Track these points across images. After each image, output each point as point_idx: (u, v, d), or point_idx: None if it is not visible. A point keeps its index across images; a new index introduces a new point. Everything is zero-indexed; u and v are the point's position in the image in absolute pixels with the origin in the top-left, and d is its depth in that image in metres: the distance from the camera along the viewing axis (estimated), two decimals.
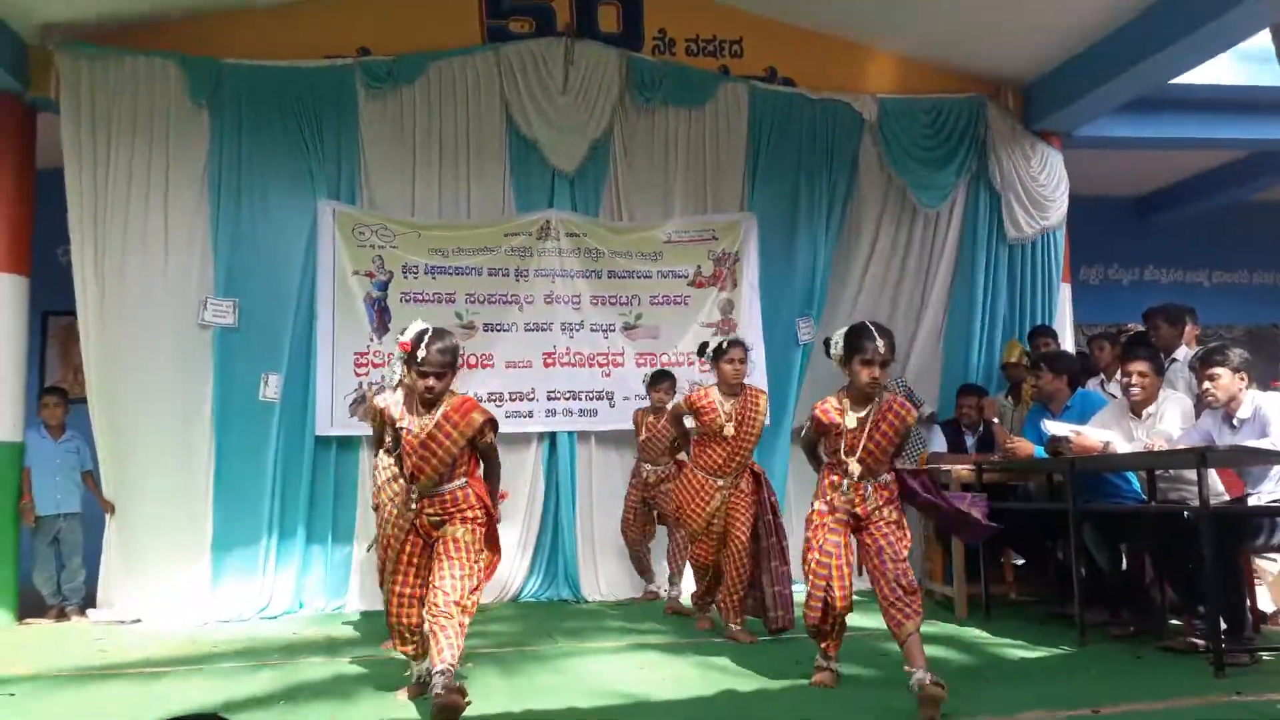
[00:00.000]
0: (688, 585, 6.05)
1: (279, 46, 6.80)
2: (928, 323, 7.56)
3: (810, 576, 3.87)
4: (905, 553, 3.78)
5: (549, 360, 6.82)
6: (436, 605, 3.53)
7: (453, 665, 3.44)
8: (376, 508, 5.09)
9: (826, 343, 3.95)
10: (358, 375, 6.57)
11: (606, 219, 7.12)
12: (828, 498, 3.91)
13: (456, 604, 3.53)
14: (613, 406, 6.87)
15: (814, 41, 7.66)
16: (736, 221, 7.26)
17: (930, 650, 3.79)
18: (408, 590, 3.74)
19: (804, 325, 7.29)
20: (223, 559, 6.26)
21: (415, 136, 6.89)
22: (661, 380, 6.38)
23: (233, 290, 6.47)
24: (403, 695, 3.86)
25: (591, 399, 6.91)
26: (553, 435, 6.87)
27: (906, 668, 3.58)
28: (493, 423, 3.78)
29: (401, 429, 3.74)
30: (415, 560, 3.73)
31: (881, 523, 3.82)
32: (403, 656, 3.96)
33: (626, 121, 7.17)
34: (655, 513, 6.39)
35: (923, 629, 3.67)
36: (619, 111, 7.13)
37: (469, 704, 3.40)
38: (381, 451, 4.84)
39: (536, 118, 6.96)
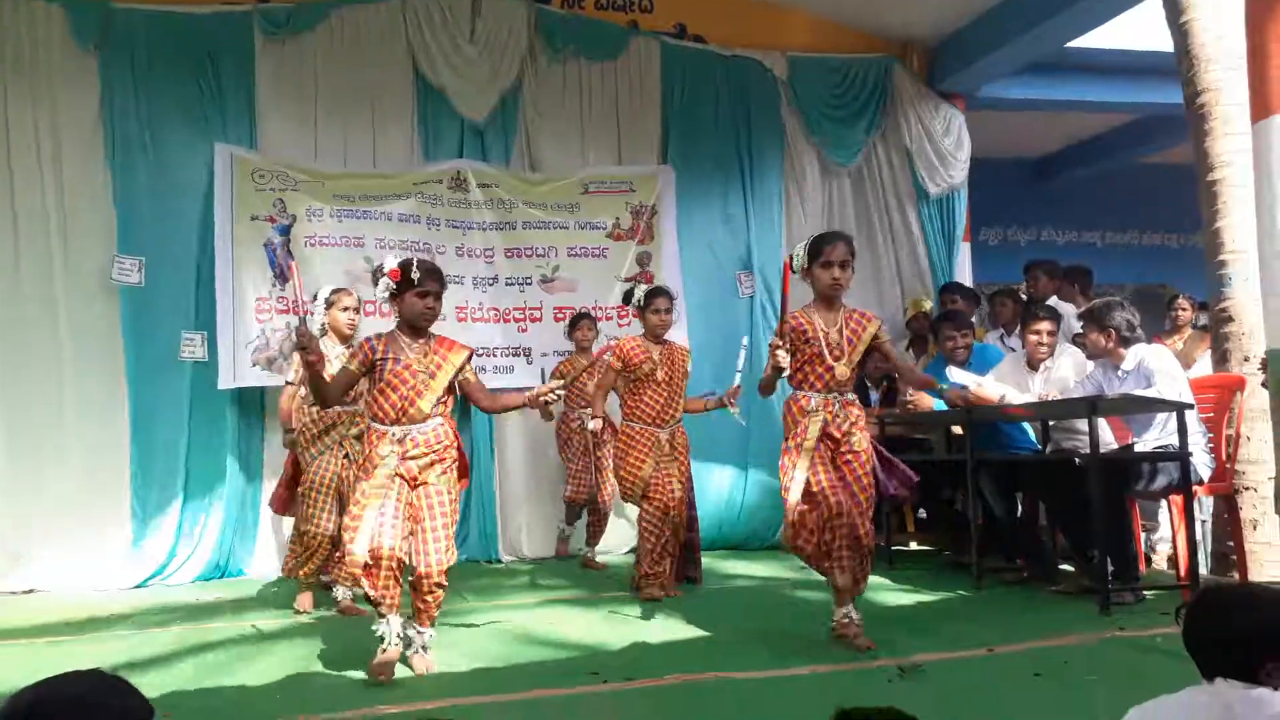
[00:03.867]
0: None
1: None
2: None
3: (790, 513, 3.77)
4: (871, 491, 3.80)
5: (461, 315, 6.66)
6: (430, 576, 3.55)
7: (432, 629, 3.67)
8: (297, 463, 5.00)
9: (790, 259, 3.92)
10: (259, 322, 6.33)
11: (520, 170, 7.01)
12: (798, 424, 3.81)
13: (442, 581, 3.59)
14: (530, 363, 6.75)
15: None
16: (653, 174, 7.22)
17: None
18: (396, 553, 3.51)
19: (745, 279, 7.31)
20: (137, 525, 6.07)
21: (317, 84, 6.68)
22: (581, 320, 6.35)
23: (136, 245, 6.19)
24: (385, 667, 3.53)
25: (509, 355, 6.81)
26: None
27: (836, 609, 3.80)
28: (471, 355, 3.79)
29: (385, 361, 3.60)
30: (401, 516, 3.53)
31: (849, 454, 3.81)
32: (308, 617, 3.91)
33: (537, 73, 7.07)
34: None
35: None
36: (528, 63, 7.03)
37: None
38: (314, 407, 4.78)
39: (444, 67, 6.82)
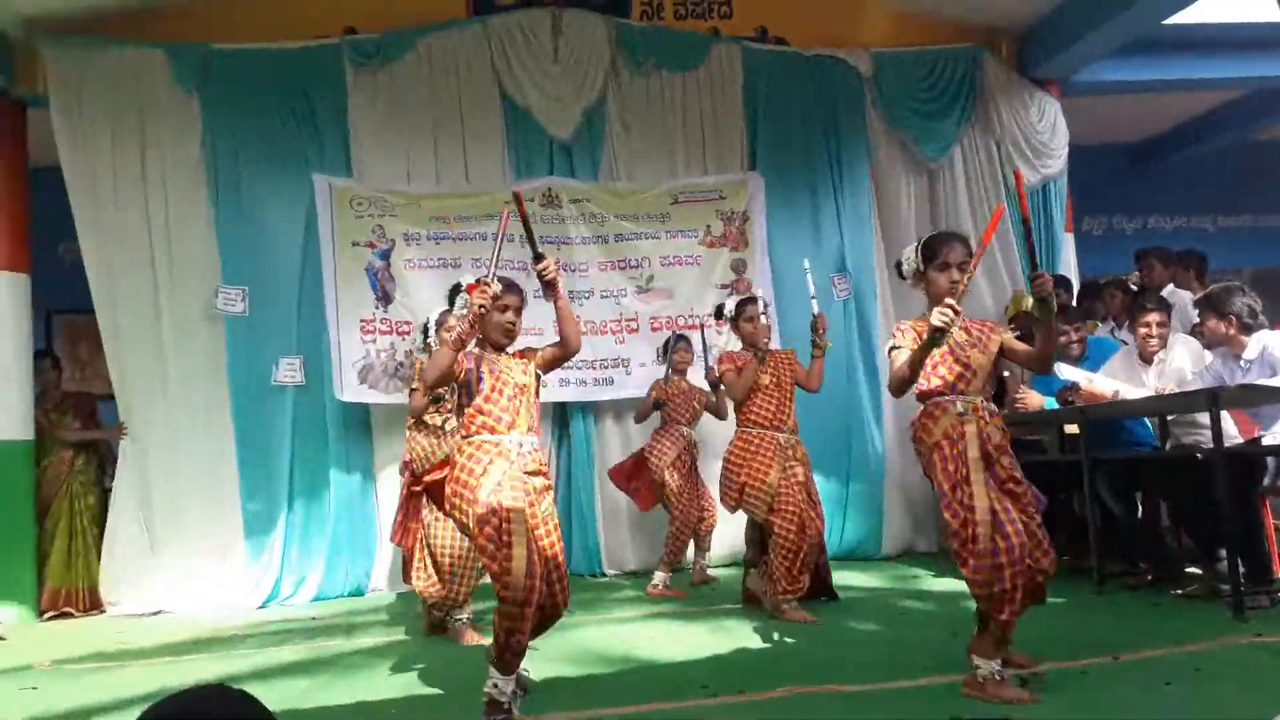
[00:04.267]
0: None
1: (264, 30, 6.74)
2: None
3: (965, 539, 3.18)
4: (1039, 518, 3.34)
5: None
6: (558, 606, 3.32)
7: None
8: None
9: (898, 265, 3.60)
10: (364, 344, 6.52)
11: (609, 183, 7.05)
12: (949, 443, 3.31)
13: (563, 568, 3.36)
14: (629, 374, 6.79)
15: None
16: (743, 180, 7.19)
17: (947, 607, 3.79)
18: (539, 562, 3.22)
19: (840, 283, 7.21)
20: (250, 546, 6.31)
21: (407, 110, 6.84)
22: (679, 342, 6.22)
23: (238, 275, 6.46)
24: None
25: (607, 367, 6.83)
26: (564, 406, 6.81)
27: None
28: (533, 350, 3.60)
29: (482, 375, 3.38)
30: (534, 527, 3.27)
31: (1009, 480, 3.32)
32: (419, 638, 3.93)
33: (620, 87, 7.11)
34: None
35: (942, 583, 3.64)
36: (611, 77, 7.07)
37: None
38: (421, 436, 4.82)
39: (529, 86, 6.91)
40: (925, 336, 3.23)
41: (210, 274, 6.47)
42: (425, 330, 4.99)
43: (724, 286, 6.98)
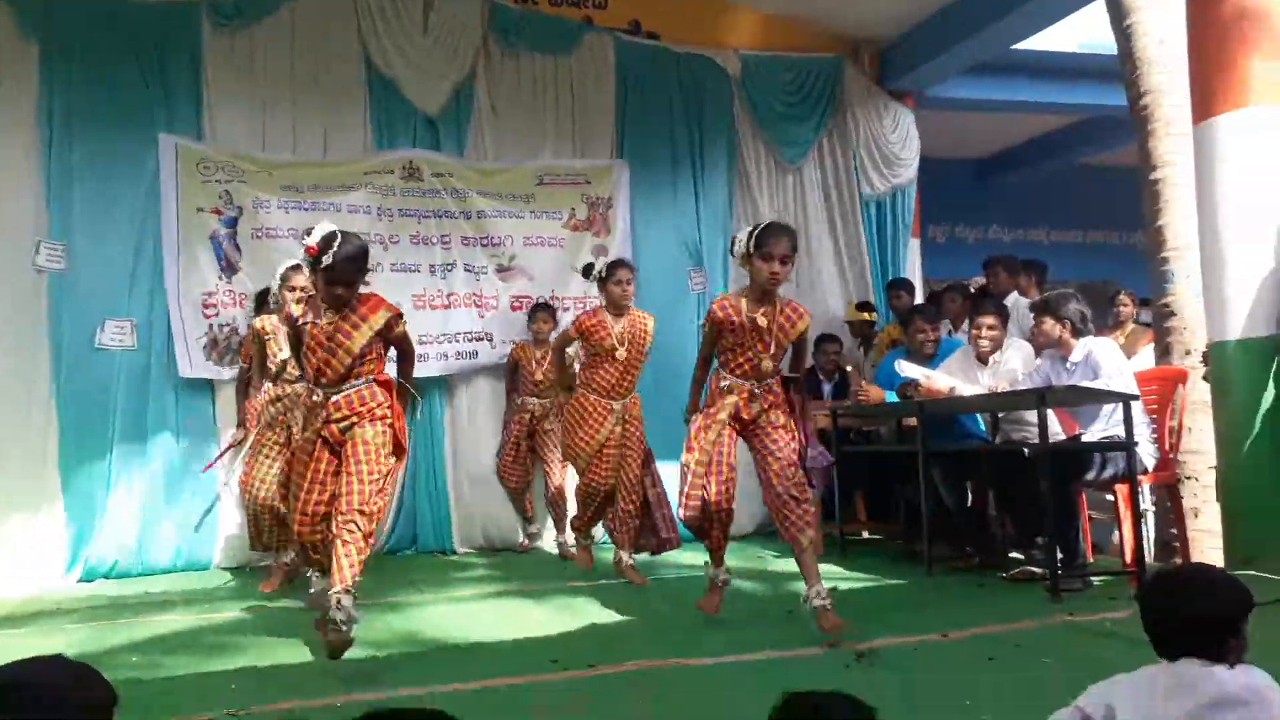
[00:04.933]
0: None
1: None
2: (794, 274, 7.67)
3: (688, 475, 3.90)
4: (795, 457, 3.85)
5: (419, 302, 6.61)
6: (343, 514, 3.49)
7: (354, 584, 3.45)
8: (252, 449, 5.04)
9: (732, 242, 3.99)
10: (206, 318, 6.25)
11: (474, 160, 6.97)
12: (715, 399, 3.93)
13: (362, 512, 3.50)
14: (493, 346, 6.74)
15: None
16: (608, 167, 7.22)
17: (784, 586, 3.94)
18: (321, 509, 3.63)
19: (696, 276, 7.34)
20: (69, 515, 5.91)
21: (266, 75, 6.58)
22: (540, 311, 6.45)
23: (69, 232, 6.07)
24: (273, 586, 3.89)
25: (470, 340, 6.75)
26: (428, 379, 6.68)
27: (805, 588, 3.75)
28: (400, 315, 3.75)
29: (305, 325, 3.66)
30: (326, 475, 3.63)
31: (769, 426, 3.88)
32: (266, 608, 3.87)
33: (491, 65, 7.03)
34: (533, 454, 6.45)
35: (777, 566, 3.81)
36: (482, 55, 6.98)
37: (350, 642, 3.43)
38: (266, 384, 4.81)
39: (396, 58, 6.76)
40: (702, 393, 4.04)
41: (39, 231, 6.05)
42: (262, 295, 4.96)
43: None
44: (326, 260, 3.48)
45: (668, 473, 6.27)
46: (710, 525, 3.95)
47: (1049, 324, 4.94)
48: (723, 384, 3.93)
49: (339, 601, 3.37)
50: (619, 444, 5.11)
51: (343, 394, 3.62)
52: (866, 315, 7.41)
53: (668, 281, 7.29)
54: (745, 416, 3.89)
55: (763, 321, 3.84)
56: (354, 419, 3.61)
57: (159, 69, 6.36)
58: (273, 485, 4.98)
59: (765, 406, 3.88)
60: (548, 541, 6.61)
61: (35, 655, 1.56)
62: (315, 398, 3.66)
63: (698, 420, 3.96)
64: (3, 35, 6.06)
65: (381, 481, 3.59)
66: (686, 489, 3.91)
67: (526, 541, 6.63)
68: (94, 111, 6.21)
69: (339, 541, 3.47)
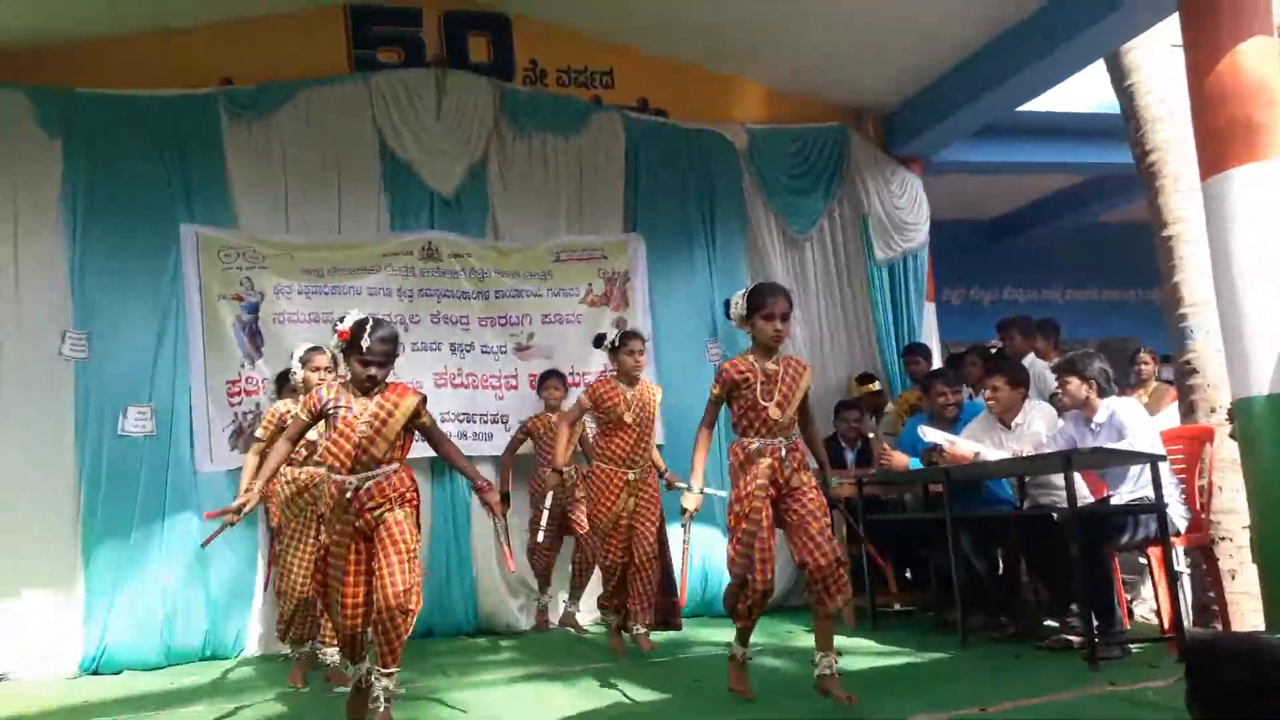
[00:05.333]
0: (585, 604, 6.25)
1: (137, 77, 6.52)
2: (805, 344, 7.68)
3: (734, 556, 3.82)
4: (827, 520, 3.83)
5: (440, 381, 6.61)
6: (387, 604, 3.50)
7: (395, 671, 3.60)
8: (277, 529, 4.97)
9: (726, 304, 4.02)
10: (231, 406, 6.29)
11: (491, 240, 7.04)
12: (745, 471, 3.85)
13: (404, 602, 3.52)
14: (507, 430, 6.70)
15: (683, 72, 7.78)
16: (624, 241, 7.28)
17: (807, 665, 3.86)
18: (360, 599, 3.61)
19: (713, 348, 7.33)
20: (93, 606, 5.83)
21: (285, 162, 6.70)
22: (550, 378, 6.47)
23: (92, 321, 6.15)
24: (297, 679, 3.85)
25: (487, 422, 6.74)
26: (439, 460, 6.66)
27: (817, 654, 3.74)
28: (425, 400, 3.78)
29: (337, 410, 3.64)
30: (364, 565, 3.62)
31: (803, 488, 3.84)
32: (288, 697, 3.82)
33: (504, 147, 7.13)
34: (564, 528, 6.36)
35: (803, 643, 3.75)
36: (495, 137, 7.09)
37: None
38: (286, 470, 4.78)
39: (411, 142, 6.87)
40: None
41: (63, 321, 6.14)
42: (283, 377, 4.95)
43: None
44: (365, 343, 3.55)
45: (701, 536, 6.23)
46: (750, 608, 3.86)
47: (1075, 384, 4.87)
48: (752, 447, 3.85)
49: (384, 684, 3.57)
50: (630, 518, 5.14)
51: (374, 481, 3.62)
52: (872, 387, 7.40)
53: (684, 353, 7.29)
54: (780, 480, 3.84)
55: (774, 369, 3.87)
56: (385, 505, 3.62)
57: (179, 159, 6.49)
58: (306, 578, 4.80)
59: (795, 467, 3.86)
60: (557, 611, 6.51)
61: None
62: (346, 486, 3.59)
63: (734, 500, 3.88)
64: (27, 130, 6.21)
65: (416, 566, 3.62)
66: (734, 570, 3.84)
67: (543, 616, 6.48)
68: (116, 203, 6.32)
69: (385, 629, 3.53)
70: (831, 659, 3.73)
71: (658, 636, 5.37)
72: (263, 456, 5.28)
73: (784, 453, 3.84)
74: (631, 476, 5.14)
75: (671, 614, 5.54)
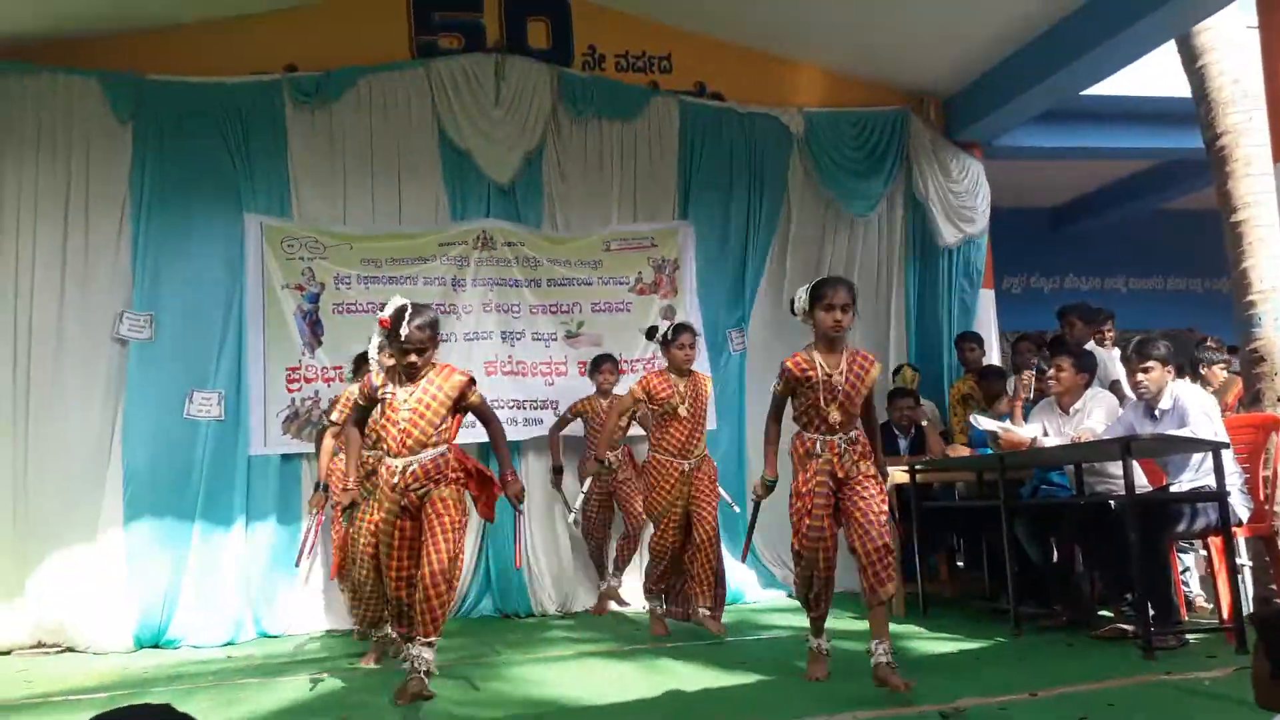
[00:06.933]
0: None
1: (204, 63, 6.69)
2: (858, 331, 7.61)
3: (798, 548, 3.90)
4: (884, 509, 3.84)
5: (490, 369, 6.72)
6: (431, 574, 3.72)
7: (434, 639, 3.80)
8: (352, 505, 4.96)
9: (791, 303, 4.05)
10: (290, 392, 6.45)
11: (545, 229, 7.11)
12: (805, 466, 3.91)
13: (447, 572, 3.75)
14: (556, 415, 6.77)
15: (741, 56, 7.77)
16: (674, 229, 7.33)
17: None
18: (405, 572, 3.88)
19: (736, 337, 7.36)
20: (144, 585, 5.98)
21: (345, 150, 6.83)
22: (604, 362, 6.50)
23: (153, 305, 6.33)
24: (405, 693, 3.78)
25: (536, 408, 6.83)
26: (487, 445, 6.73)
27: (872, 642, 3.72)
28: (473, 381, 3.95)
29: (386, 395, 3.86)
30: (409, 541, 3.87)
31: (861, 478, 3.86)
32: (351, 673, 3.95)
33: (560, 134, 7.20)
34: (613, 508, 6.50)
35: (859, 625, 3.75)
36: (552, 124, 7.15)
37: (431, 696, 3.72)
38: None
39: (469, 130, 6.95)
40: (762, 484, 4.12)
41: (124, 304, 6.33)
42: (360, 359, 5.03)
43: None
44: (404, 331, 3.72)
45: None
46: (818, 597, 3.95)
47: (1158, 371, 4.74)
48: (814, 442, 3.91)
49: (420, 653, 3.73)
50: (686, 505, 5.18)
51: (419, 463, 3.80)
52: (910, 376, 7.26)
53: (718, 339, 7.34)
54: (840, 475, 3.88)
55: (836, 374, 3.87)
56: (430, 485, 3.82)
57: (243, 147, 6.64)
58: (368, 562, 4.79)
59: (856, 458, 3.89)
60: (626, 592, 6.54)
61: (144, 704, 1.63)
62: (393, 466, 3.82)
63: (797, 491, 3.93)
64: (99, 116, 6.41)
65: (459, 544, 3.82)
66: (801, 559, 3.91)
67: (605, 603, 6.53)
68: (182, 189, 6.51)
69: (427, 603, 3.74)
70: (887, 646, 3.72)
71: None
72: (336, 438, 5.40)
73: (843, 447, 3.88)
74: (686, 467, 5.18)
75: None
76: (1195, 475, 4.66)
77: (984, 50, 7.37)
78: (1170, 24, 6.13)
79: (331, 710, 3.90)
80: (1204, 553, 5.33)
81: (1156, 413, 4.74)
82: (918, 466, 6.00)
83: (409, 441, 3.81)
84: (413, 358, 3.79)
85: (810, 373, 3.89)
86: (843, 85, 7.96)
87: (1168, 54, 6.78)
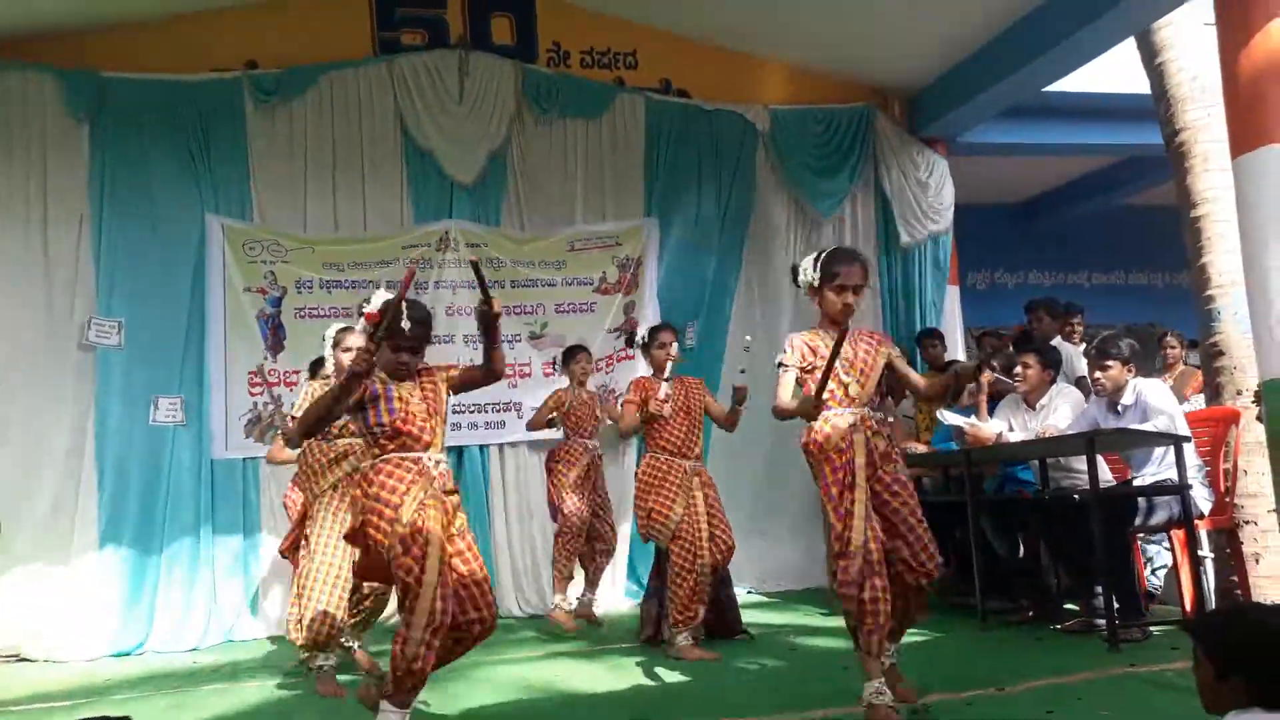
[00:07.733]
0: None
1: (162, 60, 6.58)
2: None
3: (841, 531, 3.32)
4: (915, 503, 3.42)
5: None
6: (477, 576, 3.18)
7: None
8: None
9: (794, 270, 3.61)
10: (252, 395, 6.38)
11: (508, 229, 7.06)
12: (838, 453, 3.37)
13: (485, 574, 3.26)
14: (520, 417, 6.72)
15: (707, 53, 7.75)
16: (639, 227, 7.30)
17: (840, 643, 3.85)
18: (448, 583, 3.08)
19: (689, 330, 7.21)
20: (113, 590, 5.94)
21: (307, 150, 6.75)
22: (578, 352, 6.16)
23: (118, 309, 6.23)
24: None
25: (499, 410, 6.80)
26: (460, 449, 6.69)
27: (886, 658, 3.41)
28: (449, 366, 3.49)
29: (380, 394, 3.23)
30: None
31: (894, 484, 3.40)
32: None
33: (524, 132, 7.14)
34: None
35: (830, 623, 3.73)
36: (516, 123, 7.10)
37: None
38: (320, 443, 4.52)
39: (432, 129, 6.89)
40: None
41: (87, 307, 6.22)
42: (316, 364, 4.91)
43: (614, 330, 7.09)
44: (404, 326, 3.20)
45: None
46: (873, 628, 3.29)
47: (1117, 370, 4.77)
48: (842, 422, 3.39)
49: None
50: (705, 513, 4.83)
51: (444, 464, 3.31)
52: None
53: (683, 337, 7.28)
54: (877, 457, 3.40)
55: (848, 351, 3.44)
56: (455, 490, 3.33)
57: (204, 146, 6.55)
58: (337, 574, 4.28)
59: (885, 444, 3.45)
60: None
61: (102, 715, 1.59)
62: (429, 461, 3.24)
63: (833, 486, 3.37)
64: (54, 115, 6.28)
65: None
66: (847, 554, 3.29)
67: (581, 607, 6.00)
68: (142, 190, 6.42)
69: (470, 599, 3.16)
70: (893, 649, 3.49)
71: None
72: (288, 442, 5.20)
73: (875, 421, 3.44)
74: (688, 466, 4.91)
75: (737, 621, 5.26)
76: (1158, 469, 4.70)
77: (948, 46, 7.39)
78: (1130, 21, 6.19)
79: (295, 714, 3.85)
80: (1167, 546, 5.39)
81: (1119, 408, 4.79)
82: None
83: (436, 440, 3.26)
84: (405, 357, 3.25)
85: (819, 351, 3.45)
86: (808, 82, 7.96)
87: (1128, 51, 6.84)
